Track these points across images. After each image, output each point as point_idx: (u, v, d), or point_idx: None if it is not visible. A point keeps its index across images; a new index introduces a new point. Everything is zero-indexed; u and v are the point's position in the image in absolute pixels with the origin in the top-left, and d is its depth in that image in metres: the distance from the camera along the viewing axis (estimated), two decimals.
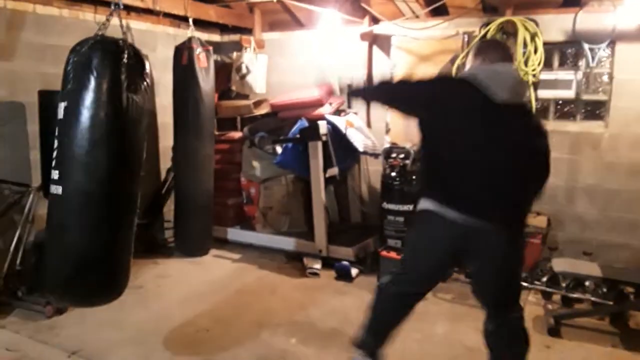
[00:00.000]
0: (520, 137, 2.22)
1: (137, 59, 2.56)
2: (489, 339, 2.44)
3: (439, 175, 2.32)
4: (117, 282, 2.79)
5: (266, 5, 5.19)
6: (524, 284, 3.90)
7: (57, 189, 2.49)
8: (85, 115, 2.41)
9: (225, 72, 5.35)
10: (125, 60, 2.44)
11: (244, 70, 5.22)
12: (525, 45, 4.03)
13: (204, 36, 5.29)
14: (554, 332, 3.28)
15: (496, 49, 2.42)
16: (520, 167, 2.22)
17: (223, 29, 5.60)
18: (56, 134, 2.52)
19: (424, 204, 2.34)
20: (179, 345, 3.14)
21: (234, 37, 5.58)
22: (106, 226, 2.54)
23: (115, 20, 2.78)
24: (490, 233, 2.20)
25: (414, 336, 3.27)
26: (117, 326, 3.33)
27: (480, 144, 2.18)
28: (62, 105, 2.49)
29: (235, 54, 5.33)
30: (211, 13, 4.94)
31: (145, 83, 2.58)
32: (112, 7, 2.71)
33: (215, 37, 5.65)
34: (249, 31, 5.44)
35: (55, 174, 2.48)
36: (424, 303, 3.74)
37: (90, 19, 4.32)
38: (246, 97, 5.38)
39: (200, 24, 4.95)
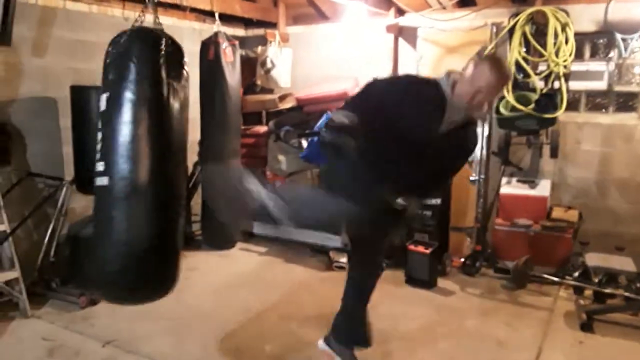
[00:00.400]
0: None
1: (175, 48, 2.57)
2: None
3: None
4: (167, 275, 2.71)
5: None
6: (554, 278, 3.86)
7: (102, 181, 2.46)
8: (128, 104, 2.41)
9: (250, 67, 5.36)
10: (163, 48, 2.44)
11: (268, 65, 5.24)
12: (556, 35, 3.96)
13: (229, 31, 5.31)
14: (586, 327, 3.23)
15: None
16: None
17: (247, 23, 5.61)
18: (99, 125, 2.51)
19: None
20: (210, 336, 3.18)
21: (259, 31, 5.59)
22: (155, 216, 2.49)
23: (146, 17, 2.82)
24: None
25: (442, 330, 3.26)
26: (149, 317, 3.38)
27: None
28: (104, 97, 2.48)
29: (260, 48, 5.34)
30: (236, 7, 4.96)
31: (184, 71, 2.59)
32: (147, 1, 2.73)
33: (240, 32, 5.67)
34: (273, 25, 5.44)
35: (100, 166, 2.45)
36: (454, 298, 3.78)
37: (118, 14, 4.37)
38: (271, 91, 5.39)
39: (225, 18, 4.96)
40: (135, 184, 2.43)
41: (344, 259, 4.37)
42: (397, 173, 2.29)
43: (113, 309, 3.49)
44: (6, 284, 3.32)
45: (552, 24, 3.95)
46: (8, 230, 3.30)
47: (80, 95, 3.71)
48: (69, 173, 3.87)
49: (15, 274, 3.32)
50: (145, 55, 2.44)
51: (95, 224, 2.61)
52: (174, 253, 2.67)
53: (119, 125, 2.42)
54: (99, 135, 2.49)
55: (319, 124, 4.60)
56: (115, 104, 2.44)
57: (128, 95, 2.41)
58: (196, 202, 4.80)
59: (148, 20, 2.78)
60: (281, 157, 4.94)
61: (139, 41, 2.48)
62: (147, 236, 2.47)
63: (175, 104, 2.51)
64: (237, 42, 4.61)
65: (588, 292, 3.68)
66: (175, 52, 2.55)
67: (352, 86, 4.90)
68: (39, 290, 3.60)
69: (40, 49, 3.87)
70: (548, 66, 3.96)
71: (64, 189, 3.75)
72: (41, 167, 3.82)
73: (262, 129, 5.22)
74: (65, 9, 4.01)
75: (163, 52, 2.44)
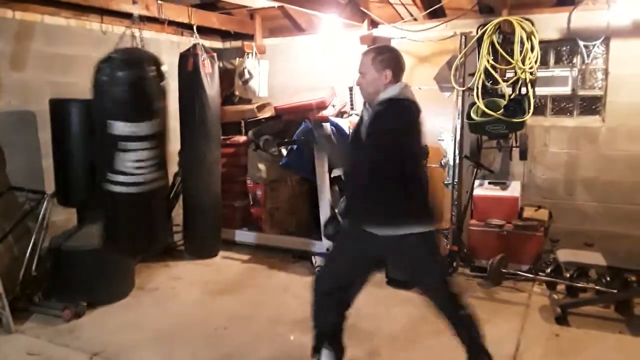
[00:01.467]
0: None
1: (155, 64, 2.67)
2: None
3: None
4: None
5: (267, 11, 5.29)
6: (528, 275, 4.02)
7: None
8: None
9: (228, 78, 5.44)
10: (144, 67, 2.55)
11: (246, 75, 5.32)
12: (522, 44, 4.15)
13: (207, 43, 5.36)
14: (561, 320, 3.39)
15: (401, 62, 2.52)
16: None
17: (224, 35, 5.69)
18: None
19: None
20: (199, 343, 3.21)
21: (236, 43, 5.69)
22: None
23: (120, 29, 2.92)
24: None
25: (425, 329, 3.36)
26: (137, 327, 3.40)
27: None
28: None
29: (237, 60, 5.43)
30: (214, 20, 5.04)
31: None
32: (133, 18, 2.80)
33: (217, 44, 5.74)
34: (250, 37, 5.54)
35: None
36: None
37: (96, 28, 4.40)
38: (249, 101, 5.48)
39: (202, 31, 5.02)
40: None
41: None
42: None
43: (98, 320, 3.50)
44: None
45: (518, 33, 4.14)
46: None
47: (59, 109, 3.72)
48: (50, 186, 3.86)
49: None
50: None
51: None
52: None
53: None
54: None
55: (297, 132, 4.74)
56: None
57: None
58: (177, 213, 4.82)
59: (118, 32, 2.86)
60: (261, 166, 5.01)
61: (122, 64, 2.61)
62: None
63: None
64: (215, 54, 4.68)
65: (561, 287, 3.84)
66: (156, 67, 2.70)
67: (329, 95, 5.03)
68: (22, 305, 3.56)
69: (19, 63, 3.86)
70: (515, 73, 4.15)
71: (45, 202, 3.72)
72: (21, 181, 3.80)
73: (242, 138, 5.29)
74: (43, 23, 4.02)
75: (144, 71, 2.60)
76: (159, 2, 4.28)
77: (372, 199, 2.41)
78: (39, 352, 3.09)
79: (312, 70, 5.31)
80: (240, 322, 3.50)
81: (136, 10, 2.88)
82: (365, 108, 2.51)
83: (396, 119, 2.36)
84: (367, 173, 2.38)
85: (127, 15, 4.47)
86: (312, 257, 4.58)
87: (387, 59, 2.44)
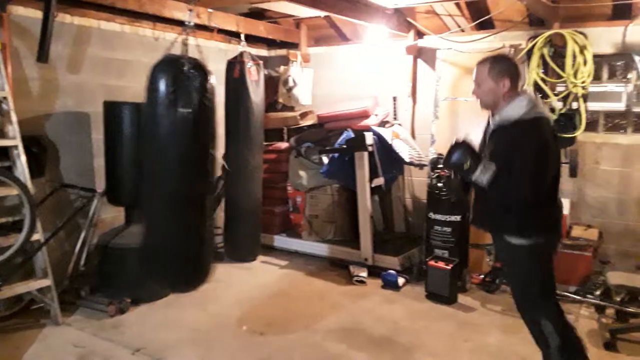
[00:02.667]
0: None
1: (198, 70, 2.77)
2: None
3: (542, 210, 2.43)
4: None
5: (313, 21, 5.35)
6: (575, 296, 3.87)
7: None
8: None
9: (272, 85, 5.52)
10: (186, 72, 2.64)
11: (290, 83, 5.39)
12: (574, 57, 4.04)
13: (253, 51, 5.46)
14: (610, 346, 3.24)
15: (518, 70, 2.49)
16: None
17: (270, 43, 5.78)
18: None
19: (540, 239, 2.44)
20: (235, 346, 3.24)
21: (281, 51, 5.77)
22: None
23: (174, 37, 3.02)
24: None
25: (466, 346, 3.29)
26: (177, 326, 3.46)
27: (556, 172, 2.46)
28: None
29: (282, 68, 5.51)
30: (261, 29, 5.13)
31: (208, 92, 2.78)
32: (186, 25, 2.90)
33: (263, 52, 5.84)
34: (295, 46, 5.61)
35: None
36: (475, 314, 3.80)
37: (149, 34, 4.56)
38: (292, 109, 5.54)
39: (249, 39, 5.13)
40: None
41: (363, 273, 4.43)
42: None
43: (141, 318, 3.59)
44: (39, 291, 3.42)
45: (571, 46, 4.04)
46: (42, 240, 3.41)
47: (112, 111, 3.85)
48: (100, 185, 4.00)
49: (47, 282, 3.41)
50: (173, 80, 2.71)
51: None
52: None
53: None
54: None
55: (339, 140, 4.76)
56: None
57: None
58: (219, 215, 4.91)
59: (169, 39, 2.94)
60: (302, 173, 5.05)
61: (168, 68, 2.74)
62: None
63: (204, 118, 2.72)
64: (260, 62, 4.77)
65: (610, 311, 3.68)
66: (199, 73, 2.77)
67: (372, 105, 5.03)
68: (69, 299, 3.70)
69: (75, 66, 4.04)
70: (566, 87, 4.04)
71: (95, 200, 3.86)
72: (73, 179, 3.95)
73: (284, 145, 5.34)
74: (100, 28, 4.19)
75: (186, 76, 2.71)
76: (209, 10, 4.40)
77: None
78: (84, 345, 3.19)
79: (356, 80, 5.33)
80: (277, 328, 3.51)
81: (190, 19, 2.95)
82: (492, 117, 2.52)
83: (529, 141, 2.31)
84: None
85: (178, 22, 4.63)
86: (350, 266, 4.56)
87: (505, 68, 2.43)
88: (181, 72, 2.69)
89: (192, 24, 2.94)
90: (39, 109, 3.81)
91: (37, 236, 3.37)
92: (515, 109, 2.36)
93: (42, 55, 3.66)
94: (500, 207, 2.41)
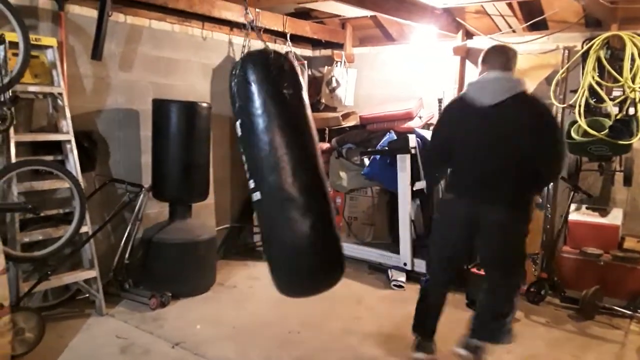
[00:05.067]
0: (508, 130, 2.67)
1: (284, 61, 2.65)
2: (480, 295, 2.93)
3: (455, 175, 2.96)
4: (333, 262, 2.91)
5: (358, 21, 5.31)
6: (626, 311, 3.69)
7: (256, 196, 2.63)
8: (259, 126, 2.54)
9: (316, 85, 5.52)
10: (273, 64, 2.57)
11: (334, 84, 5.38)
12: (633, 61, 3.84)
13: (297, 51, 5.50)
14: None
15: (499, 55, 2.82)
16: (504, 157, 2.69)
17: (315, 43, 5.78)
18: (241, 149, 2.67)
19: (447, 196, 3.03)
20: (272, 344, 3.26)
21: (325, 51, 5.76)
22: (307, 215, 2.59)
23: (221, 37, 2.98)
24: (485, 210, 2.73)
25: (508, 357, 3.18)
26: (215, 322, 3.51)
27: (472, 144, 2.76)
28: (237, 124, 2.64)
29: (326, 68, 5.50)
30: (307, 29, 5.14)
31: (296, 79, 2.67)
32: (247, 26, 2.92)
33: (307, 52, 5.85)
34: (339, 46, 5.58)
35: (251, 183, 2.62)
36: (518, 325, 3.68)
37: (197, 34, 4.64)
38: (334, 109, 5.52)
39: (294, 38, 5.16)
40: (282, 194, 2.54)
41: (402, 278, 4.36)
42: None
43: (181, 312, 3.66)
44: (85, 282, 3.55)
45: (629, 49, 3.83)
46: (90, 232, 3.53)
47: (161, 108, 3.95)
48: (146, 180, 4.11)
49: (93, 273, 3.53)
50: (260, 76, 2.56)
51: (261, 231, 2.85)
52: (334, 240, 2.81)
53: (257, 145, 2.55)
54: (243, 158, 2.65)
55: (381, 142, 4.70)
56: (248, 128, 2.57)
57: (257, 117, 2.53)
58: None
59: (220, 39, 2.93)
60: (342, 174, 5.02)
61: (252, 65, 2.58)
62: (306, 234, 2.59)
63: (298, 111, 2.62)
64: (305, 62, 4.78)
65: None
66: (285, 63, 2.65)
67: (416, 106, 4.94)
68: (113, 290, 3.82)
69: (127, 64, 4.16)
70: (623, 92, 3.84)
71: (142, 195, 3.97)
72: (120, 174, 4.07)
73: (325, 145, 5.32)
74: (151, 28, 4.29)
75: (272, 69, 2.56)
76: (257, 10, 4.44)
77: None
78: (126, 336, 3.27)
79: (400, 81, 5.25)
80: (313, 328, 3.50)
81: (248, 20, 2.94)
82: None
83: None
84: None
85: (226, 22, 4.71)
86: (388, 270, 4.51)
87: (483, 55, 2.89)
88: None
89: (252, 25, 2.93)
90: (91, 105, 3.94)
91: (86, 228, 3.48)
92: None
93: (96, 53, 3.78)
94: None
